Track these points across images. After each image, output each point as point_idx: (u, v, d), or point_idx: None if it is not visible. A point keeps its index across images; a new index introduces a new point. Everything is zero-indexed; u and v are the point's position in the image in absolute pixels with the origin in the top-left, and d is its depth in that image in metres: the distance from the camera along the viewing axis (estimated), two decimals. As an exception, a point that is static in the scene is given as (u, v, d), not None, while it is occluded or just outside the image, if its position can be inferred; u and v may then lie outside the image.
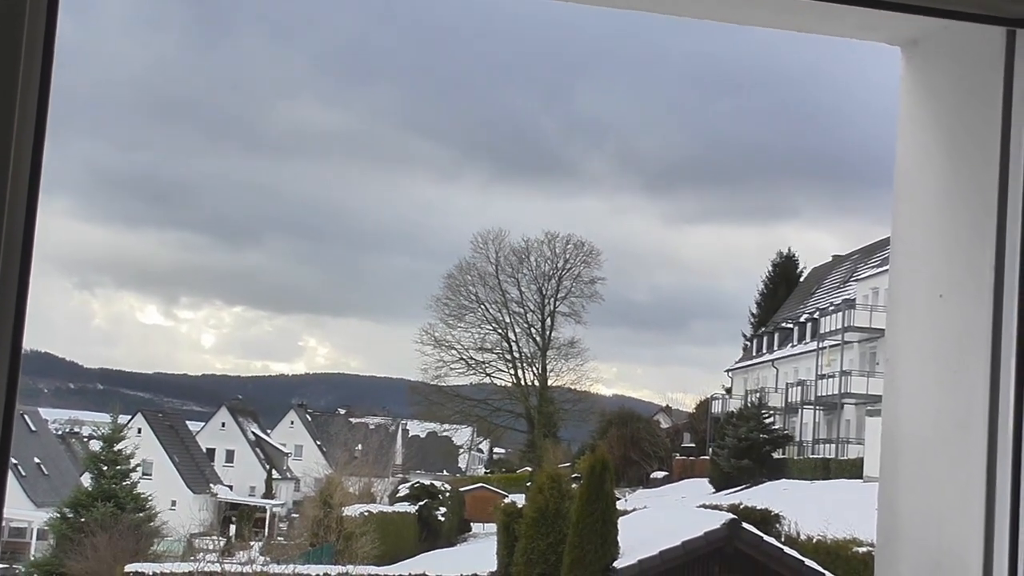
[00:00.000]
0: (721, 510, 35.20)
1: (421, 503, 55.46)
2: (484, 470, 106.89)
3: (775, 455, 70.36)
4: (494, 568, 36.11)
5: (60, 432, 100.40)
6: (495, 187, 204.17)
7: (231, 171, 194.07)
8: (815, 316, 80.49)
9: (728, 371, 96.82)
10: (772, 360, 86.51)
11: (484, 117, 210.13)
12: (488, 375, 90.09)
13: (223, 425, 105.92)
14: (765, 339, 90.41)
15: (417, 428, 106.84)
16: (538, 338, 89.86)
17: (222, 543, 45.70)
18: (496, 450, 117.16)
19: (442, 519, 55.95)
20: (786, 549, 28.71)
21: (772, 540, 29.22)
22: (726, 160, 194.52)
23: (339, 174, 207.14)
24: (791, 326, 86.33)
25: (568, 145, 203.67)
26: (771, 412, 74.99)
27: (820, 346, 75.92)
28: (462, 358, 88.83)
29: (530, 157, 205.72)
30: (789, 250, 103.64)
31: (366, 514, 46.47)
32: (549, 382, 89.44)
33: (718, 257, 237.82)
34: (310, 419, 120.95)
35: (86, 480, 52.48)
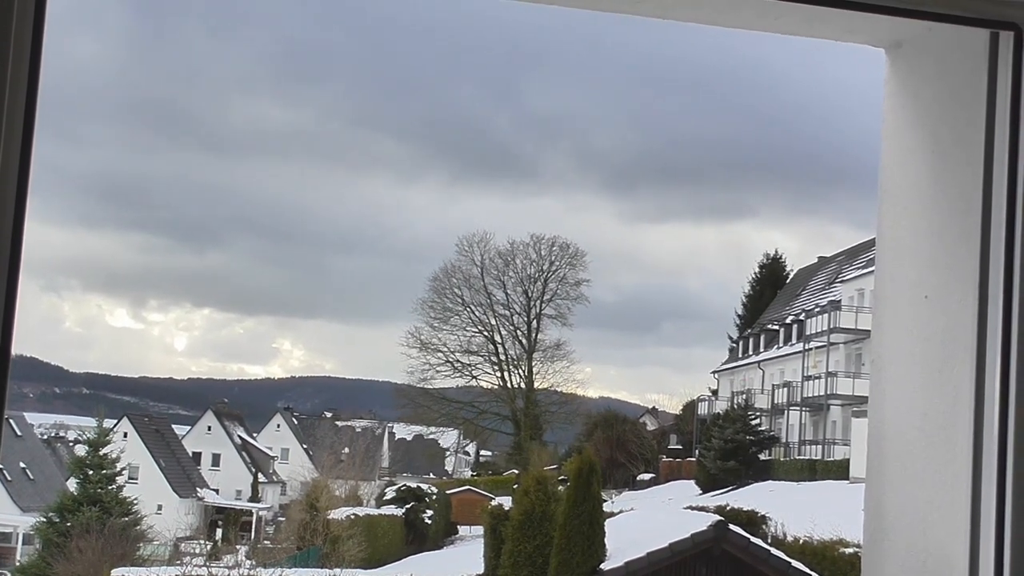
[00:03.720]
0: (708, 512, 35.20)
1: (408, 506, 55.39)
2: (471, 473, 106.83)
3: (761, 456, 70.45)
4: (481, 571, 36.09)
5: (46, 436, 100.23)
6: (455, 187, 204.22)
7: (188, 171, 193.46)
8: (801, 318, 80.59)
9: (714, 372, 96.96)
10: (758, 362, 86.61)
11: (440, 116, 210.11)
12: (474, 378, 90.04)
13: (209, 429, 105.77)
14: (751, 340, 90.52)
15: (403, 431, 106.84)
16: (524, 340, 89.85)
17: (208, 547, 45.64)
18: (482, 453, 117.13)
19: (429, 522, 55.89)
20: (773, 550, 28.72)
21: (759, 541, 29.24)
22: (682, 159, 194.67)
23: (297, 174, 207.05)
24: (777, 328, 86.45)
25: (524, 144, 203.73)
26: (757, 413, 75.09)
27: (806, 347, 76.03)
28: (448, 361, 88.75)
29: (487, 156, 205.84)
30: (776, 251, 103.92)
31: (352, 517, 46.42)
32: (535, 384, 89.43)
33: (679, 256, 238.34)
34: (296, 422, 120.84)
35: (72, 485, 52.33)
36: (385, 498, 57.95)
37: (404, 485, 60.29)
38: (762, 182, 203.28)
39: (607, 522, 28.71)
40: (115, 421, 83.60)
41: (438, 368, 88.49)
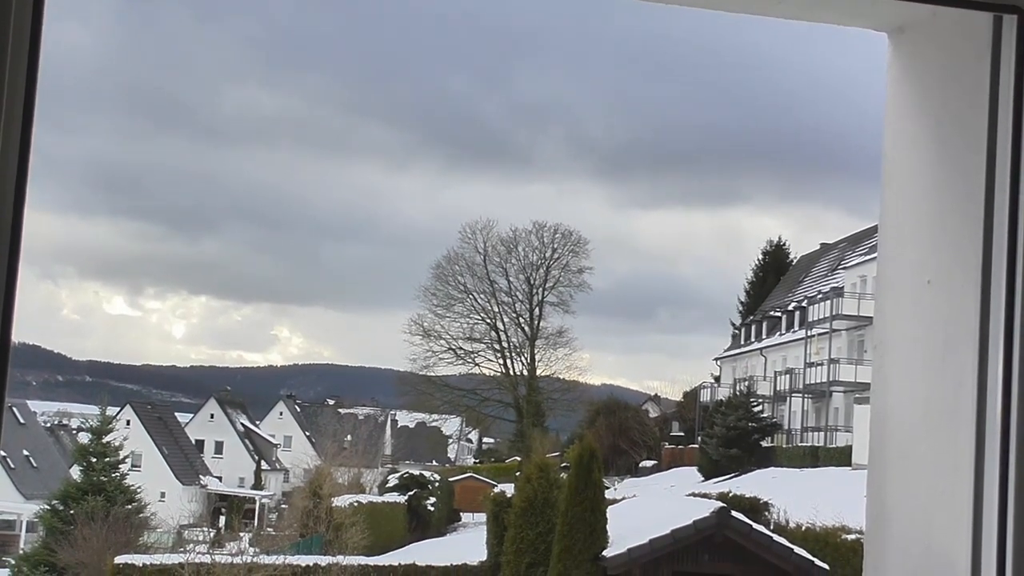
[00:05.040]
0: (710, 498, 35.26)
1: (410, 493, 55.43)
2: (473, 460, 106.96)
3: (764, 443, 70.45)
4: (484, 558, 36.14)
5: (49, 424, 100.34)
6: (446, 175, 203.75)
7: (179, 158, 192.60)
8: (803, 304, 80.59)
9: (716, 359, 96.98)
10: (760, 348, 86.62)
11: (430, 103, 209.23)
12: (477, 365, 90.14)
13: (212, 416, 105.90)
14: (753, 327, 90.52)
15: (406, 418, 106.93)
16: (526, 328, 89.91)
17: (212, 534, 45.75)
18: (485, 440, 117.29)
19: (431, 509, 55.94)
20: (775, 537, 28.77)
21: (761, 528, 29.29)
22: (674, 145, 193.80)
23: (288, 161, 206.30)
24: (779, 314, 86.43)
25: (516, 131, 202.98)
26: (760, 400, 75.06)
27: (808, 334, 76.01)
28: (451, 348, 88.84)
29: (479, 143, 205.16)
30: (780, 238, 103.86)
31: (355, 504, 46.46)
32: (537, 372, 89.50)
33: (673, 243, 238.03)
34: (299, 410, 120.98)
35: (75, 472, 52.40)
36: (388, 485, 58.01)
37: (407, 472, 60.33)
38: (755, 168, 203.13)
39: (609, 509, 28.76)
40: (118, 409, 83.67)
41: (441, 355, 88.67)
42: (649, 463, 79.57)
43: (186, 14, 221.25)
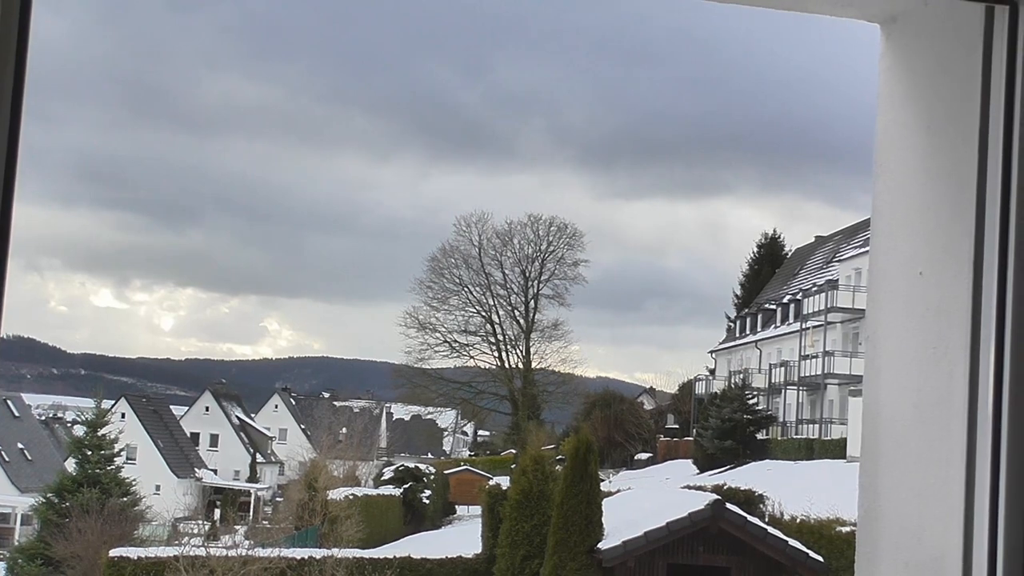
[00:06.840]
0: (705, 491, 35.28)
1: (406, 486, 55.48)
2: (468, 452, 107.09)
3: (759, 436, 70.57)
4: (479, 550, 36.17)
5: (44, 417, 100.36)
6: (429, 165, 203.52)
7: (161, 148, 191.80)
8: (798, 297, 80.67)
9: (711, 352, 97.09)
10: (755, 341, 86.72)
11: (411, 93, 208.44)
12: (472, 358, 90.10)
13: (207, 409, 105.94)
14: (748, 320, 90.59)
15: (401, 411, 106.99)
16: (522, 320, 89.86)
17: (207, 527, 45.76)
18: (480, 432, 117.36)
19: (427, 502, 55.98)
20: (770, 529, 28.80)
21: (756, 520, 29.32)
22: (656, 135, 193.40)
23: (270, 151, 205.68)
24: (774, 307, 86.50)
25: (497, 121, 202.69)
26: (755, 393, 75.19)
27: (803, 327, 76.12)
28: (446, 341, 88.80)
29: (461, 133, 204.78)
30: (775, 231, 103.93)
31: (351, 497, 46.49)
32: (533, 364, 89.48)
33: (657, 233, 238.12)
34: (294, 403, 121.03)
35: (70, 465, 52.42)
36: (383, 478, 58.07)
37: (402, 465, 60.37)
38: (738, 158, 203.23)
39: (604, 501, 28.78)
40: (113, 402, 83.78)
41: (436, 348, 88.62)
42: (644, 456, 79.70)
43: (162, 2, 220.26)
